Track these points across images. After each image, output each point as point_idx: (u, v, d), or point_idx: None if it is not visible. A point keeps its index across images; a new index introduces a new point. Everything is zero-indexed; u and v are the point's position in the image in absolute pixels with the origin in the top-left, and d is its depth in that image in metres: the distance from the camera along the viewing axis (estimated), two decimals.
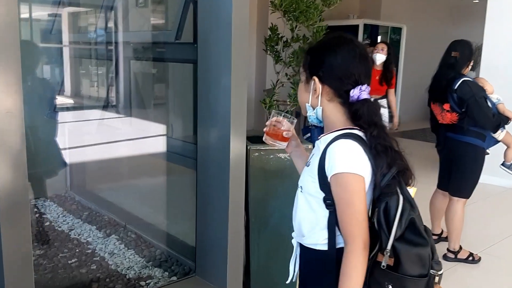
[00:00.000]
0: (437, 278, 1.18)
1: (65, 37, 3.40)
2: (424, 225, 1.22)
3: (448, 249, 3.29)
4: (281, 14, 2.58)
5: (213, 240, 2.21)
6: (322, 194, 1.23)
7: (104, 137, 3.32)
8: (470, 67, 3.12)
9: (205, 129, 2.18)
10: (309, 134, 4.00)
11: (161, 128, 2.91)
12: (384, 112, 4.64)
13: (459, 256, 3.26)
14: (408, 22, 8.37)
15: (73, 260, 2.58)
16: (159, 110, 3.12)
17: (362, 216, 1.17)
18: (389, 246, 1.15)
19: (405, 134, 7.63)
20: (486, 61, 5.13)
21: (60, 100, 3.28)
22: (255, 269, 2.43)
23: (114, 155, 3.26)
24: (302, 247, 1.36)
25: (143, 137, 3.14)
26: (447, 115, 3.07)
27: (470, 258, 3.27)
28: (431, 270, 1.17)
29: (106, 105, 3.43)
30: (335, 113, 1.27)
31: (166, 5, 2.92)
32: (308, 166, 1.31)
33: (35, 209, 3.13)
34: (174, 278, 2.41)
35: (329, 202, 1.21)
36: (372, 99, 1.27)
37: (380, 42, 5.10)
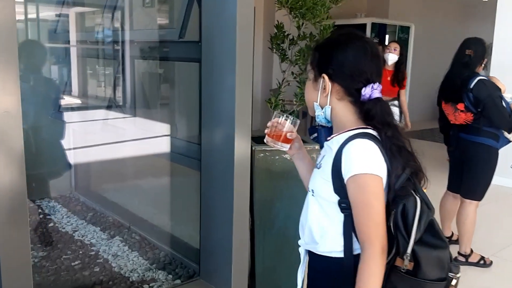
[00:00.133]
0: (454, 281, 1.15)
1: (68, 36, 3.39)
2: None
3: (459, 253, 3.22)
4: (287, 11, 2.52)
5: (217, 242, 2.17)
6: (337, 198, 1.17)
7: (108, 137, 3.29)
8: (483, 65, 3.04)
9: (209, 129, 2.15)
10: (315, 134, 3.94)
11: (166, 128, 2.87)
12: (395, 110, 4.56)
13: (470, 259, 3.19)
14: (416, 20, 8.29)
15: (76, 262, 2.55)
16: (164, 110, 3.08)
17: (380, 218, 1.12)
18: (409, 250, 1.10)
19: (414, 134, 7.54)
20: (496, 60, 5.05)
21: (63, 100, 3.26)
22: (260, 272, 2.38)
23: (118, 156, 3.23)
24: (312, 255, 1.29)
25: (147, 138, 3.11)
26: (461, 115, 2.99)
27: (482, 262, 3.20)
28: (450, 273, 1.14)
29: (110, 105, 3.40)
30: (345, 113, 1.22)
31: (172, 3, 2.89)
32: (319, 168, 1.24)
33: (39, 210, 3.11)
34: (178, 281, 2.37)
35: (344, 205, 1.16)
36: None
37: (392, 42, 4.98)
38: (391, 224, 1.13)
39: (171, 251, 2.67)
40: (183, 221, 2.74)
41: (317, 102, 1.24)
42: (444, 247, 1.14)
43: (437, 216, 3.44)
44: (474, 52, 2.96)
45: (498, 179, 4.00)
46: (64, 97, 3.32)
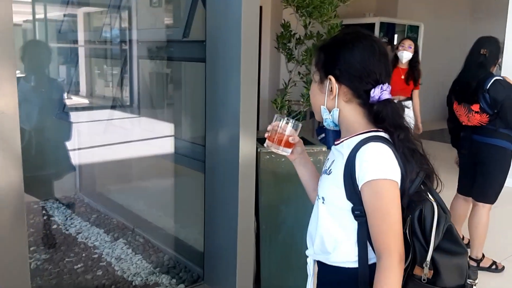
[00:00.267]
0: None
1: (75, 36, 3.36)
2: None
3: (470, 257, 3.13)
4: (294, 9, 2.47)
5: (222, 246, 2.12)
6: (350, 205, 1.11)
7: (113, 137, 3.26)
8: (497, 65, 2.95)
9: (214, 130, 2.10)
10: (323, 135, 3.87)
11: (170, 129, 2.83)
12: (409, 112, 4.43)
13: (481, 264, 3.11)
14: (425, 19, 8.18)
15: (79, 265, 2.52)
16: (170, 110, 3.04)
17: (398, 227, 1.07)
18: (428, 258, 1.05)
19: (423, 134, 7.44)
20: (508, 60, 4.93)
21: (68, 100, 3.24)
22: (266, 278, 2.33)
23: (123, 156, 3.19)
24: (322, 265, 1.22)
25: (151, 138, 3.07)
26: (475, 117, 2.91)
27: (493, 267, 3.12)
28: (468, 280, 1.10)
29: (114, 105, 3.37)
30: (354, 115, 1.16)
31: (178, 2, 2.84)
32: (329, 174, 1.18)
33: (43, 211, 3.08)
34: (182, 285, 2.33)
35: (358, 212, 1.10)
36: (396, 100, 1.16)
37: (406, 39, 4.84)
38: (407, 231, 1.08)
39: (175, 255, 2.63)
40: (187, 224, 2.69)
41: (324, 105, 1.18)
42: (463, 253, 1.10)
43: None
44: (489, 51, 2.87)
45: (511, 182, 3.91)
46: (70, 97, 3.29)
